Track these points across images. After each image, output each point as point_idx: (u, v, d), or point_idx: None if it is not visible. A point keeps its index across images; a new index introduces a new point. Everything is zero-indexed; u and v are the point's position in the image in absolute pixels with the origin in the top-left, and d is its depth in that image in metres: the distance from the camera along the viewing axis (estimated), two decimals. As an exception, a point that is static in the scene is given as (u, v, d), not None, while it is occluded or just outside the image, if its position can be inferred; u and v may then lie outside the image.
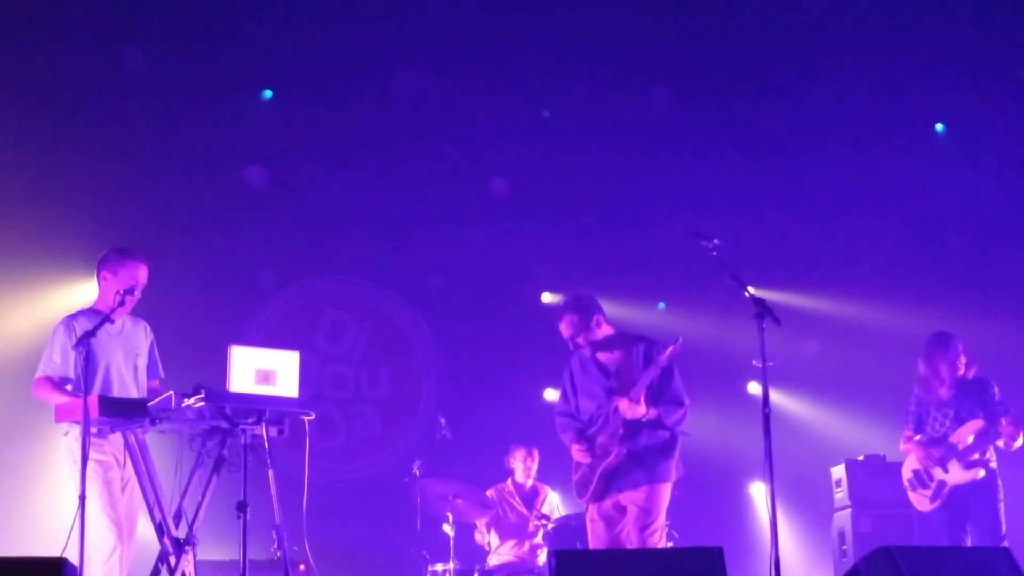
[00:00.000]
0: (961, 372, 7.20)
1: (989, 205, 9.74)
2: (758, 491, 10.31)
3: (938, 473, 7.17)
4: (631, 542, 6.17)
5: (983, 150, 9.76)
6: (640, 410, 6.13)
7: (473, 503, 8.45)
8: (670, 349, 6.15)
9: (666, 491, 6.26)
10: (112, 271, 5.99)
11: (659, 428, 6.23)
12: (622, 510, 6.26)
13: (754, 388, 9.52)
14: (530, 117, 9.81)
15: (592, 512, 6.39)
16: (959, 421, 7.14)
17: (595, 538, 6.36)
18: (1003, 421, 6.96)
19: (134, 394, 5.95)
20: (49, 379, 5.87)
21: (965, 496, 7.07)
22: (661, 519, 6.22)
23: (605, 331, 6.43)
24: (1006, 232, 9.73)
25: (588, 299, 6.50)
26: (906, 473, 7.41)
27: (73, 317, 5.94)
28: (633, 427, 6.21)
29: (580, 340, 6.40)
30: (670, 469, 6.27)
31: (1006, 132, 9.57)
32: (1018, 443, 7.01)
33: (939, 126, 10.00)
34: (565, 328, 6.43)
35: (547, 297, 10.51)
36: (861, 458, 8.82)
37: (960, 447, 7.08)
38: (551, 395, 10.58)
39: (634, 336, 6.44)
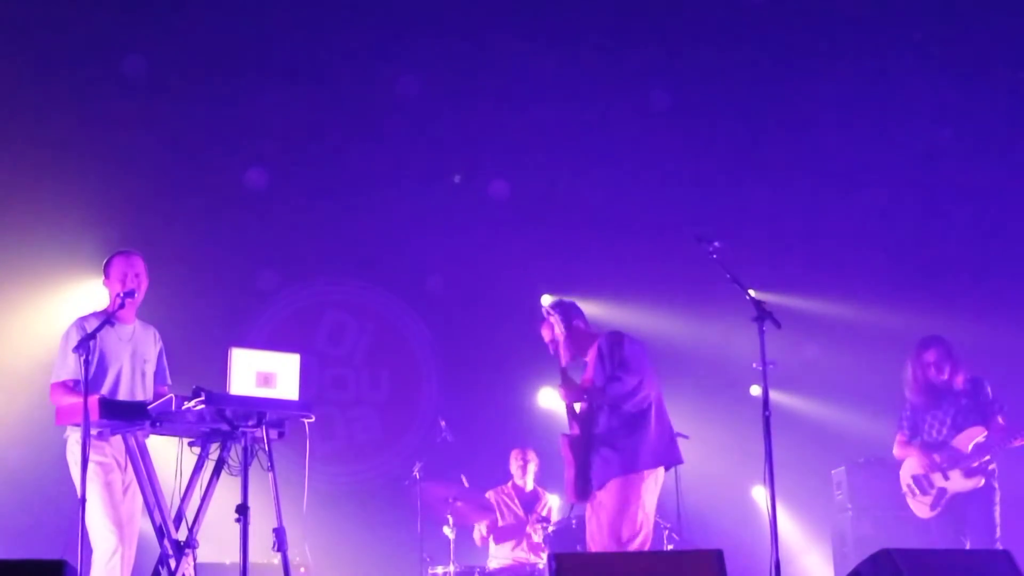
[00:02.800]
0: (944, 376, 7.20)
1: (989, 207, 9.73)
2: (760, 495, 10.30)
3: (939, 480, 7.17)
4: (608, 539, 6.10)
5: (984, 151, 9.75)
6: (566, 389, 6.25)
7: (473, 506, 8.45)
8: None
9: (634, 483, 6.03)
10: (106, 273, 6.07)
11: (601, 415, 6.16)
12: (597, 507, 6.25)
13: (756, 391, 9.51)
14: (530, 119, 9.81)
15: (587, 511, 6.40)
16: (956, 427, 7.15)
17: (589, 537, 6.33)
18: (999, 419, 6.99)
19: (140, 399, 5.94)
20: (64, 384, 5.87)
21: (963, 502, 7.09)
22: (629, 513, 6.00)
23: (585, 332, 6.48)
24: (1006, 234, 9.72)
25: (568, 304, 6.60)
26: (904, 479, 7.39)
27: (84, 319, 5.95)
28: (584, 419, 6.23)
29: (560, 343, 6.49)
30: (636, 456, 6.04)
31: (1007, 132, 9.57)
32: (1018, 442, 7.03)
33: None
34: (545, 328, 6.58)
35: (547, 300, 10.50)
36: (862, 460, 8.83)
37: (962, 455, 7.09)
38: (545, 396, 10.59)
39: (600, 334, 6.45)
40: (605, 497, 6.11)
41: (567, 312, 6.53)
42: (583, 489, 6.21)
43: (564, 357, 6.51)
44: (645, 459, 6.07)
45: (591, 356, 6.34)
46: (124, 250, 6.11)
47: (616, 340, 6.26)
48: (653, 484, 6.13)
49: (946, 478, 7.14)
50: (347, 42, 9.25)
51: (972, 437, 7.06)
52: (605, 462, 6.11)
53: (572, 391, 6.26)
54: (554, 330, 6.51)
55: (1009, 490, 7.20)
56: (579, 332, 6.48)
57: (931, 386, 7.23)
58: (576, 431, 6.28)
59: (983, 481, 7.01)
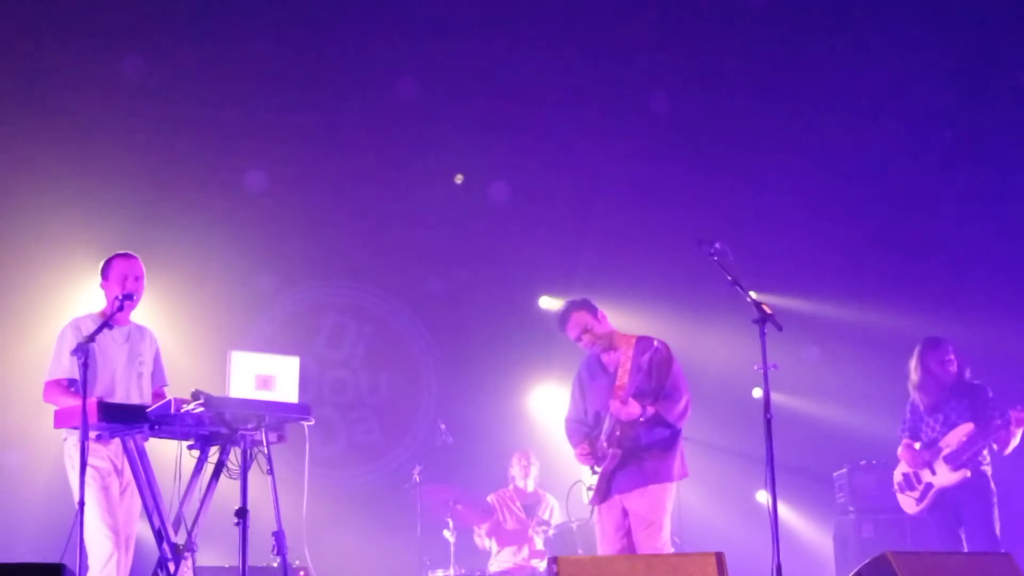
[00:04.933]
0: (953, 370, 7.23)
1: (991, 207, 9.72)
2: (763, 497, 10.27)
3: (926, 475, 7.26)
4: (635, 545, 6.17)
5: (984, 155, 9.74)
6: (631, 410, 6.15)
7: (474, 509, 8.43)
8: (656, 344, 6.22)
9: (665, 492, 6.20)
10: (104, 275, 6.04)
11: (658, 426, 6.21)
12: (625, 512, 6.28)
13: (758, 393, 9.49)
14: (530, 120, 9.81)
15: (598, 514, 6.41)
16: (949, 426, 7.20)
17: (602, 540, 6.37)
18: (998, 423, 6.99)
19: (137, 401, 5.93)
20: (58, 383, 5.85)
21: (955, 498, 7.11)
22: (664, 520, 6.16)
23: (608, 329, 6.45)
24: (1008, 234, 9.71)
25: (587, 302, 6.55)
26: (896, 476, 7.50)
27: (80, 320, 5.94)
28: (629, 427, 6.21)
29: (588, 338, 6.43)
30: (670, 469, 6.21)
31: (1007, 136, 9.56)
32: (1012, 446, 7.03)
33: None
34: (572, 329, 6.46)
35: (545, 301, 10.49)
36: (864, 463, 8.81)
37: (948, 450, 7.12)
38: (536, 398, 10.57)
39: (632, 337, 6.43)
40: (634, 504, 6.20)
41: (587, 311, 6.46)
42: (603, 492, 6.30)
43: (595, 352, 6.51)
44: (677, 471, 6.26)
45: (627, 359, 6.28)
46: (124, 253, 6.09)
47: (667, 355, 6.29)
48: (674, 495, 6.32)
49: (933, 473, 7.22)
50: (347, 43, 9.24)
51: (961, 432, 7.11)
52: (639, 470, 6.19)
53: (632, 409, 6.17)
54: (580, 331, 6.44)
55: (1009, 491, 7.19)
56: (604, 325, 6.45)
57: (940, 387, 7.26)
58: (613, 440, 6.27)
59: (969, 473, 7.03)
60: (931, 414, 7.31)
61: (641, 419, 6.18)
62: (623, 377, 6.23)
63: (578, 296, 6.67)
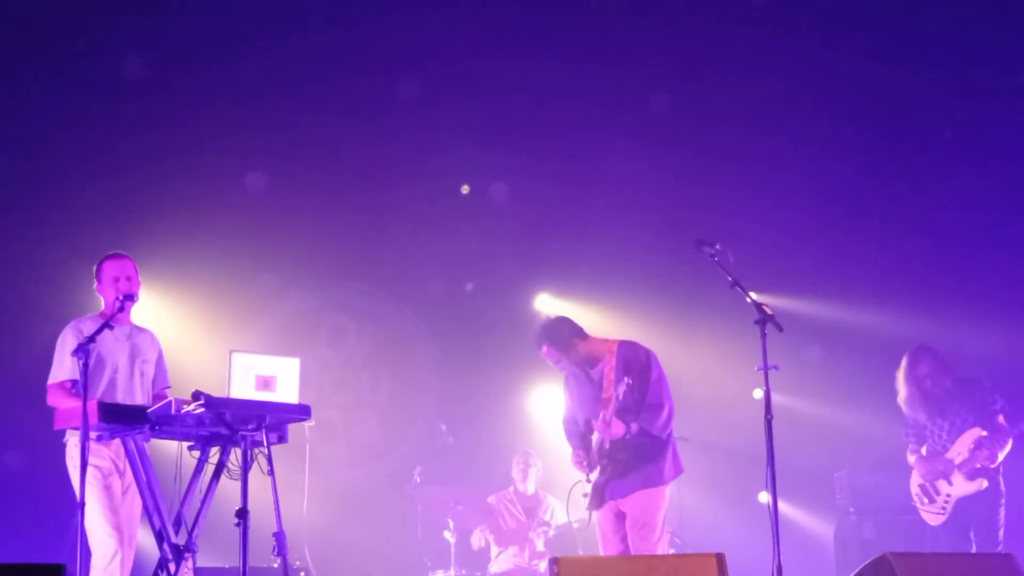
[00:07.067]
0: (942, 385, 7.19)
1: (991, 207, 9.71)
2: (764, 498, 10.24)
3: (943, 487, 7.19)
4: (631, 546, 6.26)
5: (984, 155, 9.74)
6: (615, 431, 6.25)
7: (474, 509, 8.43)
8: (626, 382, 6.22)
9: (659, 495, 6.32)
10: (97, 277, 6.05)
11: (644, 437, 6.29)
12: (622, 516, 6.36)
13: (759, 394, 9.46)
14: (530, 121, 9.80)
15: (597, 518, 6.51)
16: (956, 432, 7.14)
17: (603, 543, 6.49)
18: (1000, 419, 6.97)
19: (139, 400, 5.95)
20: (61, 385, 5.86)
21: (968, 504, 7.08)
22: (659, 522, 6.26)
23: (587, 346, 6.51)
24: (1006, 236, 9.70)
25: (560, 325, 6.60)
26: (913, 488, 7.41)
27: (81, 321, 5.95)
28: (617, 441, 6.31)
29: (564, 364, 6.56)
30: (660, 473, 6.32)
31: (1007, 136, 9.56)
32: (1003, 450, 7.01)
33: None
34: (547, 356, 6.59)
35: (542, 300, 10.47)
36: (864, 464, 8.80)
37: (960, 459, 7.08)
38: (535, 400, 10.56)
39: (614, 343, 6.48)
40: (628, 507, 6.31)
41: (561, 337, 6.52)
42: (599, 499, 6.41)
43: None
44: (668, 472, 6.36)
45: (610, 370, 6.34)
46: (114, 253, 6.08)
47: (647, 361, 6.36)
48: (668, 496, 6.43)
49: (950, 483, 7.14)
50: (347, 45, 9.24)
51: (970, 439, 7.06)
52: (631, 477, 6.29)
53: (616, 430, 6.25)
54: (575, 351, 6.51)
55: (1012, 491, 7.18)
56: (580, 347, 6.51)
57: (929, 398, 7.23)
58: (603, 454, 6.37)
59: (987, 484, 6.99)
60: (933, 420, 7.26)
61: (627, 436, 6.26)
62: (608, 389, 6.31)
63: (552, 318, 6.75)
